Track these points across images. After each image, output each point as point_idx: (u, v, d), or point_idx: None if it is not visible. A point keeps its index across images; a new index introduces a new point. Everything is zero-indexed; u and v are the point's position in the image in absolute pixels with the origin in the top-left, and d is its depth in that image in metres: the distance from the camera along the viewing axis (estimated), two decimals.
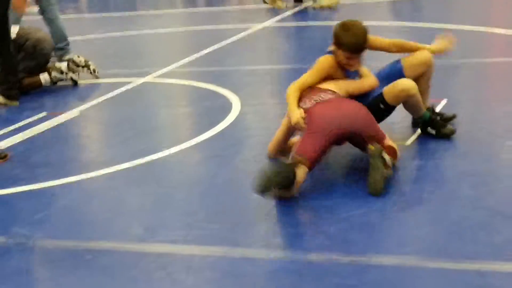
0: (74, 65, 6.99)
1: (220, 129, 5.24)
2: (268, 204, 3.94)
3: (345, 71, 4.41)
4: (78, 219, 3.99)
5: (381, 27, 8.56)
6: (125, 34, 9.88)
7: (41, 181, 4.56)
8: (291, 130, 4.35)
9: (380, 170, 3.86)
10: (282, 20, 9.59)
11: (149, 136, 5.33)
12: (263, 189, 3.78)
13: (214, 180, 4.36)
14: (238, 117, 5.47)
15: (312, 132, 4.02)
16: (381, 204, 3.76)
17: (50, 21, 7.35)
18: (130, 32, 9.95)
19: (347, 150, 4.39)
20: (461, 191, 3.83)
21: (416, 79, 4.54)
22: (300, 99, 4.24)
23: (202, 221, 3.77)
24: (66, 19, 12.12)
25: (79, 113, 6.00)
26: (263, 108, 5.70)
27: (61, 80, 6.89)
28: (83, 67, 7.05)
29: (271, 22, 9.43)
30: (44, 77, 6.81)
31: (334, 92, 4.26)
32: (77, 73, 6.97)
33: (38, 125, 5.65)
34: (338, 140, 4.11)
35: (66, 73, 6.91)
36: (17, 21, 6.81)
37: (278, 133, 4.47)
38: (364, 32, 4.37)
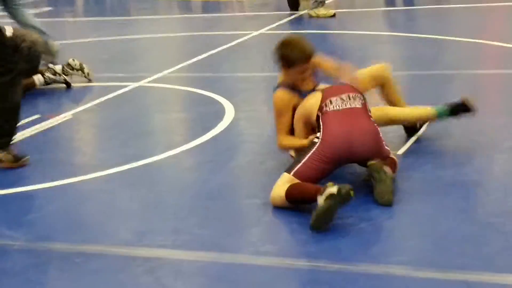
0: (69, 68, 7.00)
1: (213, 134, 5.25)
2: (259, 211, 3.95)
3: (301, 94, 4.36)
4: (68, 221, 3.99)
5: (376, 36, 8.59)
6: (120, 38, 9.89)
7: (32, 183, 4.55)
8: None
9: (386, 182, 3.86)
10: (278, 27, 9.62)
11: (142, 140, 5.33)
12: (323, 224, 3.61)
13: (206, 185, 4.37)
14: (231, 123, 5.48)
15: (318, 157, 3.93)
16: (370, 213, 3.77)
17: (23, 24, 7.33)
18: (125, 37, 9.96)
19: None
20: (450, 203, 3.84)
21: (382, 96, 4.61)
22: (324, 100, 4.11)
23: (192, 226, 3.78)
24: (62, 22, 12.19)
25: (72, 116, 6.00)
26: (256, 115, 5.71)
27: (55, 81, 6.90)
28: (77, 70, 7.06)
29: (266, 29, 9.46)
30: (38, 78, 6.81)
31: (357, 93, 4.20)
32: (70, 76, 6.97)
33: (31, 127, 5.64)
34: (343, 164, 4.10)
35: (60, 75, 6.92)
36: None
37: (293, 142, 4.34)
38: (303, 39, 4.39)
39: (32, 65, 6.78)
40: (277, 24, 9.84)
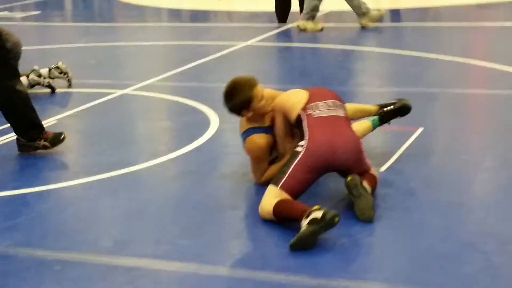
0: (57, 72, 6.99)
1: (198, 144, 5.25)
2: (241, 222, 3.95)
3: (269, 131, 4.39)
4: (49, 228, 3.97)
5: (361, 52, 8.63)
6: (108, 44, 9.87)
7: (14, 188, 4.53)
8: None
9: (366, 198, 3.86)
10: (265, 39, 9.64)
11: (126, 148, 5.32)
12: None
13: (189, 195, 4.36)
14: (216, 133, 5.48)
15: (302, 167, 3.93)
16: (350, 229, 3.78)
17: None
18: (113, 43, 9.95)
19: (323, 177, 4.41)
20: (432, 221, 3.85)
21: None
22: (309, 102, 4.15)
23: (173, 237, 3.77)
24: (49, 26, 12.16)
25: (57, 121, 5.98)
26: None
27: (38, 84, 6.87)
28: (64, 73, 7.06)
29: (254, 41, 9.48)
30: (22, 79, 6.78)
31: (340, 101, 4.26)
32: (54, 80, 6.96)
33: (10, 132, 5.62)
34: (326, 172, 4.10)
35: (44, 78, 6.90)
36: None
37: (273, 171, 4.34)
38: (236, 78, 4.37)
39: (14, 65, 6.77)
40: (265, 36, 9.86)
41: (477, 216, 3.91)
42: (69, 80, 7.13)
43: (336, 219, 3.55)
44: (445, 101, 6.25)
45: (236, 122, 5.75)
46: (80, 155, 5.25)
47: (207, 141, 5.32)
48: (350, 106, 4.54)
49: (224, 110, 4.62)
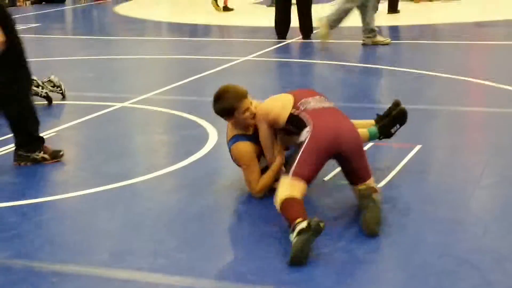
0: (49, 85, 7.01)
1: (195, 158, 5.25)
2: (237, 236, 3.95)
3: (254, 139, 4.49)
4: (45, 240, 3.97)
5: (360, 68, 8.66)
6: (107, 57, 9.90)
7: (12, 200, 4.53)
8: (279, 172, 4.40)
9: (374, 211, 3.88)
10: (265, 54, 9.67)
11: (123, 161, 5.32)
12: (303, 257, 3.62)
13: (186, 208, 4.36)
14: (214, 147, 5.49)
15: (310, 150, 4.04)
16: (348, 244, 3.78)
17: None
18: (112, 56, 9.98)
19: (327, 188, 4.43)
20: (428, 238, 3.85)
21: None
22: (298, 101, 4.29)
23: (170, 250, 3.77)
24: (49, 39, 12.19)
25: (55, 133, 5.98)
26: None
27: (36, 94, 6.86)
28: (57, 87, 7.08)
29: (253, 55, 9.51)
30: None
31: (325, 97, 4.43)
32: (49, 91, 6.98)
33: (12, 143, 5.62)
34: (330, 158, 4.19)
35: (43, 87, 6.91)
36: None
37: (267, 178, 4.43)
38: (231, 85, 4.51)
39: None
40: (264, 51, 9.90)
41: (474, 233, 3.91)
42: (62, 94, 7.14)
43: (321, 224, 3.59)
44: (443, 119, 6.26)
45: None
46: (78, 167, 5.25)
47: (205, 155, 5.33)
48: None
49: (223, 124, 4.64)
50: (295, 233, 3.61)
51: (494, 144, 5.48)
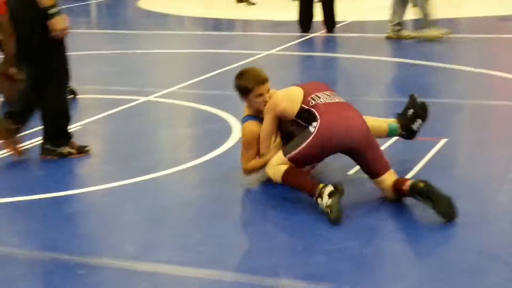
0: None
1: (220, 152, 5.27)
2: (263, 230, 3.96)
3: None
4: (73, 232, 4.00)
5: (383, 62, 8.62)
6: (132, 52, 9.94)
7: (39, 193, 4.57)
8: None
9: (443, 197, 3.90)
10: (288, 48, 9.66)
11: (148, 154, 5.35)
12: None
13: (211, 203, 4.37)
14: (238, 141, 5.49)
15: (313, 146, 4.18)
16: (373, 238, 3.78)
17: None
18: (137, 51, 10.01)
19: (351, 182, 4.42)
20: (453, 232, 3.83)
21: None
22: (308, 95, 4.36)
23: (196, 243, 3.78)
24: (75, 33, 12.24)
25: (81, 127, 6.02)
26: None
27: None
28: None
29: (277, 49, 9.50)
30: None
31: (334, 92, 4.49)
32: None
33: (39, 136, 5.66)
34: (334, 153, 4.33)
35: None
36: None
37: (256, 163, 4.59)
38: (256, 68, 4.73)
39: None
40: (288, 44, 9.88)
41: (501, 227, 3.89)
42: (73, 92, 7.10)
43: (343, 185, 3.99)
44: (469, 113, 6.23)
45: None
46: (103, 161, 5.28)
47: (228, 148, 5.34)
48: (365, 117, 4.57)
49: None
50: (325, 197, 3.93)
51: None
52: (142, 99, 6.94)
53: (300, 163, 4.26)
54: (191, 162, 5.07)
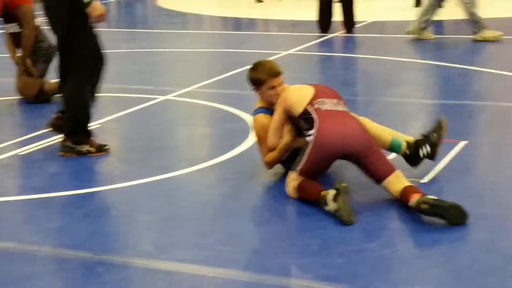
0: None
1: (238, 152, 5.26)
2: (280, 230, 3.95)
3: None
4: (91, 230, 4.01)
5: (403, 63, 8.59)
6: (150, 51, 9.97)
7: (58, 190, 4.59)
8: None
9: (452, 207, 3.85)
10: (308, 48, 9.65)
11: (166, 153, 5.36)
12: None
13: (228, 202, 4.38)
14: (256, 140, 5.48)
15: (315, 154, 4.21)
16: (392, 240, 3.76)
17: None
18: (155, 50, 10.04)
19: (367, 183, 4.40)
20: (474, 234, 3.81)
21: None
22: (316, 97, 4.39)
23: (213, 243, 3.78)
24: None
25: (100, 125, 6.04)
26: None
27: None
28: None
29: (296, 49, 9.49)
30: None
31: (342, 100, 4.51)
32: None
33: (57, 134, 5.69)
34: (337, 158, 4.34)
35: None
36: None
37: (272, 155, 4.64)
38: (269, 61, 4.83)
39: (48, 66, 6.91)
40: (307, 45, 9.87)
41: None
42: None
43: (345, 185, 3.98)
44: (490, 114, 6.18)
45: None
46: (121, 159, 5.29)
47: (247, 148, 5.34)
48: (370, 125, 4.55)
49: None
50: (330, 202, 3.96)
51: None
52: (161, 98, 6.96)
53: (310, 174, 4.25)
54: (210, 161, 5.07)
